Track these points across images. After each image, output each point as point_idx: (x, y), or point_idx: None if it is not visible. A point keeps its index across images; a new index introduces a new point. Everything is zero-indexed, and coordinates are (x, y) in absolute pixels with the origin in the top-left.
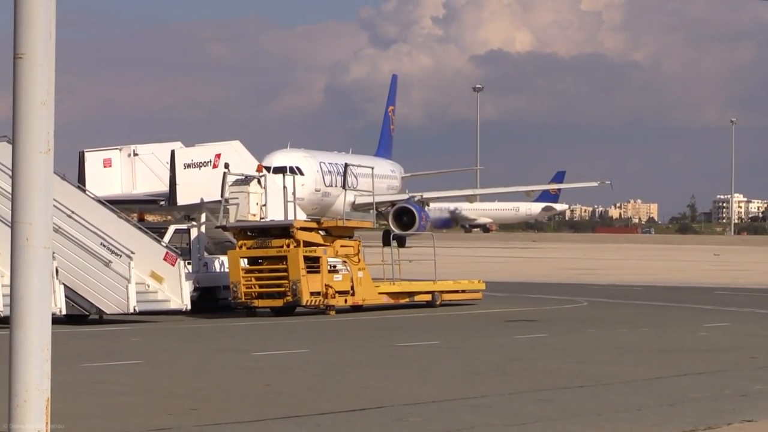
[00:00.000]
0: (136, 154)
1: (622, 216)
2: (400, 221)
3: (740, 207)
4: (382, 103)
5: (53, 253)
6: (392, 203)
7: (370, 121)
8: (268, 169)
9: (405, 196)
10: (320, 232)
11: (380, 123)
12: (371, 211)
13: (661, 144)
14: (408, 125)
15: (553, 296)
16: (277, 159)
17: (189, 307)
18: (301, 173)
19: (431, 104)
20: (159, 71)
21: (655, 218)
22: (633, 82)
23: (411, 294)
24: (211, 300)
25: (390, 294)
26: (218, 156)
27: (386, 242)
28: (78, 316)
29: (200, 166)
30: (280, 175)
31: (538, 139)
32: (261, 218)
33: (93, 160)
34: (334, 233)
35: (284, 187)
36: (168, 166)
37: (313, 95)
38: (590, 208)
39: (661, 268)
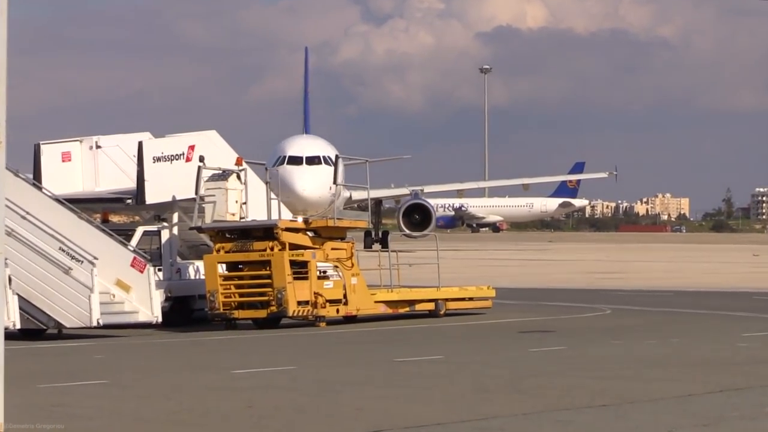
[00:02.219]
0: (98, 147)
1: (650, 212)
2: (411, 220)
3: None
4: (378, 88)
5: (5, 259)
6: (396, 199)
7: (363, 107)
8: (293, 159)
9: (406, 191)
10: (308, 233)
11: (372, 107)
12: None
13: (692, 131)
14: (406, 112)
15: (572, 304)
16: (303, 147)
17: (160, 319)
18: (335, 165)
19: (432, 88)
20: (125, 53)
21: (687, 215)
22: (660, 61)
23: (411, 302)
24: (185, 311)
25: (388, 303)
26: (192, 148)
27: (368, 244)
28: (34, 330)
29: (172, 160)
30: (309, 166)
31: (554, 127)
32: (241, 218)
33: (50, 153)
34: (324, 234)
35: (267, 182)
36: (135, 159)
37: (298, 79)
38: (613, 204)
39: (694, 271)
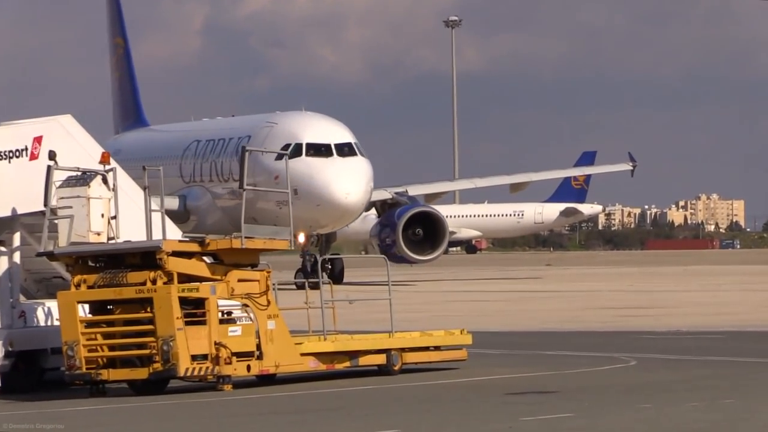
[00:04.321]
0: None
1: (689, 221)
2: (409, 236)
3: None
4: (300, 50)
5: None
6: (383, 204)
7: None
8: (316, 148)
9: (387, 194)
10: (205, 258)
11: (292, 78)
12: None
13: (746, 107)
14: (340, 83)
15: (582, 353)
16: (325, 130)
17: None
18: (362, 154)
19: (377, 50)
20: None
21: (741, 223)
22: (698, 9)
23: (354, 355)
24: (32, 371)
25: (319, 356)
26: (38, 140)
27: (305, 276)
28: None
29: (9, 158)
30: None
31: (550, 103)
32: (110, 238)
33: None
34: (227, 260)
35: (146, 187)
36: None
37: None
38: (637, 210)
39: (753, 304)
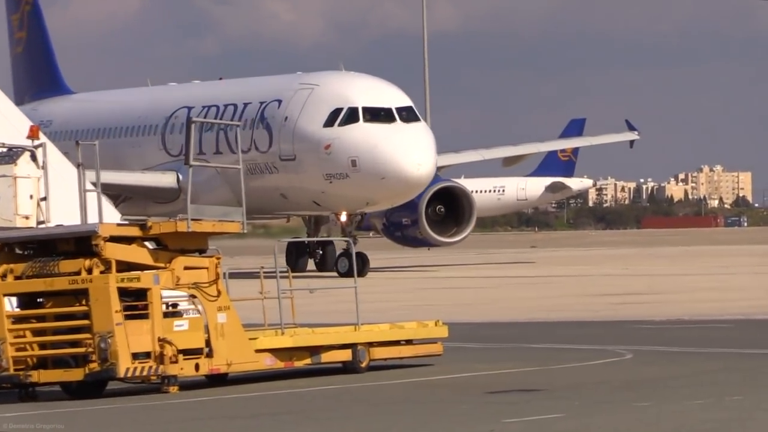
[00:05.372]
0: None
1: (690, 196)
2: (432, 216)
3: None
4: (253, 7)
5: None
6: None
7: (230, 38)
8: (373, 113)
9: None
10: (147, 243)
11: (244, 38)
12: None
13: (753, 65)
14: (298, 43)
15: (571, 345)
16: (381, 92)
17: None
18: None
19: (339, 6)
20: None
21: (748, 197)
22: None
23: (315, 350)
24: None
25: (277, 352)
26: None
27: (296, 260)
28: None
29: None
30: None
31: (533, 64)
32: (39, 222)
33: None
34: (172, 246)
35: (79, 164)
36: None
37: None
38: (632, 185)
39: (764, 288)
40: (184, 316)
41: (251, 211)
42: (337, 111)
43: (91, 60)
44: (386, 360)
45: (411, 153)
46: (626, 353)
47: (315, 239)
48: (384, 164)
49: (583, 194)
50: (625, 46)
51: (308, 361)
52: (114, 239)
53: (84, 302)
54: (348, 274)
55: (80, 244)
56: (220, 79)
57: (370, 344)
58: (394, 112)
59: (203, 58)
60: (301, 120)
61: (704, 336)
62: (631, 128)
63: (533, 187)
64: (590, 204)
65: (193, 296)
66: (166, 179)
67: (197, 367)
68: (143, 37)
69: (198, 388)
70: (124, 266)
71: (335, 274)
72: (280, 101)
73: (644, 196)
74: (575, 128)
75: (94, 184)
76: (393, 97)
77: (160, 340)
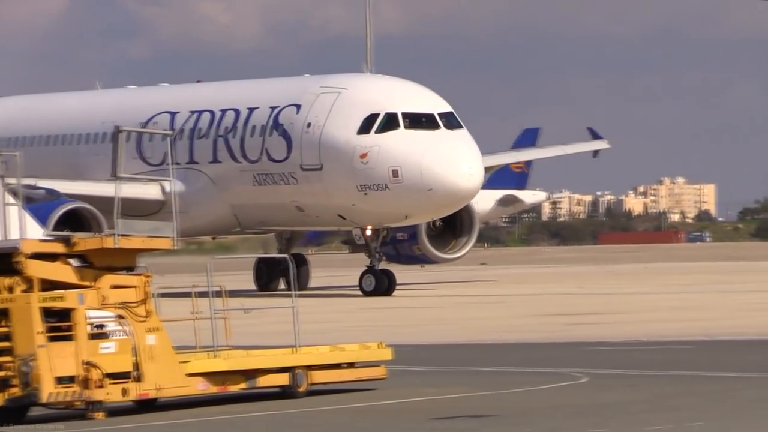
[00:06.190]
0: None
1: (649, 210)
2: (428, 230)
3: None
4: (185, 9)
5: None
6: None
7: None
8: (414, 119)
9: None
10: (71, 260)
11: (176, 42)
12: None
13: (716, 72)
14: (233, 47)
15: (524, 368)
16: (421, 98)
17: None
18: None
19: (277, 8)
20: None
21: (711, 211)
22: None
23: (251, 374)
24: None
25: (210, 376)
26: None
27: (267, 283)
28: None
29: None
30: None
31: (484, 68)
32: None
33: None
34: (98, 263)
35: (1, 176)
36: None
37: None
38: (589, 198)
39: (726, 308)
40: (111, 337)
41: (256, 224)
42: (373, 117)
43: (6, 64)
44: (326, 384)
45: (461, 162)
46: (582, 376)
47: (255, 255)
48: (431, 175)
49: (536, 208)
50: (589, 49)
51: (243, 385)
52: (37, 256)
53: (4, 323)
54: (374, 293)
55: (1, 261)
56: (198, 81)
57: (310, 367)
58: (437, 117)
59: (134, 64)
60: (328, 126)
61: (664, 358)
62: (596, 136)
63: (484, 200)
64: (544, 218)
65: (120, 317)
66: (151, 190)
67: (125, 391)
68: (66, 40)
69: (126, 414)
70: (48, 285)
71: (307, 292)
72: (298, 106)
73: (601, 210)
74: (529, 138)
75: (73, 196)
76: (434, 102)
77: (85, 363)
